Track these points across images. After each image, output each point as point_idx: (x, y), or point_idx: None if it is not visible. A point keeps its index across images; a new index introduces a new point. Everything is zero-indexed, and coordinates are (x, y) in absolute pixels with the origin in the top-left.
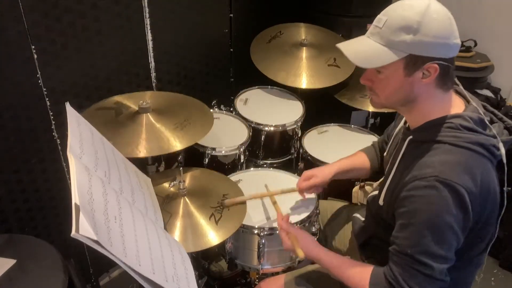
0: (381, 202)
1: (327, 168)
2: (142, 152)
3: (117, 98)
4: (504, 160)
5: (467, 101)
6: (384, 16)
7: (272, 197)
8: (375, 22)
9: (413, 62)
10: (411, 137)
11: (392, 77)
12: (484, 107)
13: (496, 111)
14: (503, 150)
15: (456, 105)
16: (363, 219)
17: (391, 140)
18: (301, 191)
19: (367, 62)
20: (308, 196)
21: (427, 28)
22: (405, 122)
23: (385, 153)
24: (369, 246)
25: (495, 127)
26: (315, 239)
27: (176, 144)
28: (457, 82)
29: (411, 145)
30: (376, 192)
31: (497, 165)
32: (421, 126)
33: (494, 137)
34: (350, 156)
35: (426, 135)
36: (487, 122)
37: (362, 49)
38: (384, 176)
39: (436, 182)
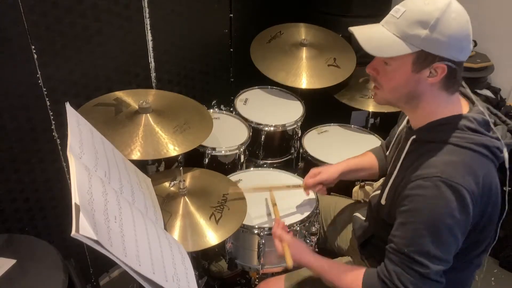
0: (383, 201)
1: (334, 167)
2: (136, 155)
3: (118, 94)
4: (507, 163)
5: (472, 103)
6: (403, 7)
7: (273, 199)
8: (392, 11)
9: (423, 58)
10: (414, 136)
11: (398, 71)
12: (488, 109)
13: (499, 114)
14: (506, 153)
15: (461, 107)
16: (363, 218)
17: (394, 139)
18: (307, 187)
19: (379, 51)
20: (309, 195)
21: (445, 26)
22: (408, 122)
23: (387, 152)
24: (369, 246)
25: (499, 129)
26: (314, 239)
27: (174, 148)
28: (464, 84)
29: (414, 145)
30: (378, 192)
31: (499, 167)
32: (425, 126)
33: (498, 139)
34: (358, 156)
35: (429, 135)
36: (492, 124)
37: (375, 37)
38: (387, 175)
39: (439, 182)
